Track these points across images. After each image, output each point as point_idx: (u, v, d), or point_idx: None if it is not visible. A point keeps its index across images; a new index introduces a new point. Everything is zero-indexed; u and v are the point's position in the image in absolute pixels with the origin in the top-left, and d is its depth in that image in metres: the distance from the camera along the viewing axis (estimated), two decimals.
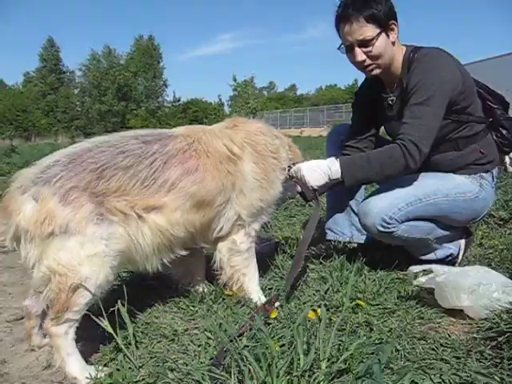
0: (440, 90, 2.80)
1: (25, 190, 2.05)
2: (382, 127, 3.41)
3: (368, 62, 2.95)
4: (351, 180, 2.86)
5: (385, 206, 2.90)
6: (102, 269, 2.10)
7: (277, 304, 2.51)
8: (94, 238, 2.08)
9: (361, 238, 3.53)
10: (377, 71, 3.01)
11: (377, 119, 3.36)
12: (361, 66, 3.00)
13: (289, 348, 1.85)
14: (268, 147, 2.73)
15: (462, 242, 3.30)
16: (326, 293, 2.75)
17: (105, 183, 2.15)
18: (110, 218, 2.16)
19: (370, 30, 2.85)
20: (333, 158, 2.89)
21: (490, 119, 3.14)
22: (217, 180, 2.48)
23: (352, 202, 3.58)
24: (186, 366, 1.94)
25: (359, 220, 3.11)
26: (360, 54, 2.92)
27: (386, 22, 2.86)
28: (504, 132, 3.16)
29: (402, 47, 3.04)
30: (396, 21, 2.93)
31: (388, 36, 2.90)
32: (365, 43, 2.88)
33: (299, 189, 3.00)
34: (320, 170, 2.83)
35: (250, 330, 2.06)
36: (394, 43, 2.95)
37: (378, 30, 2.85)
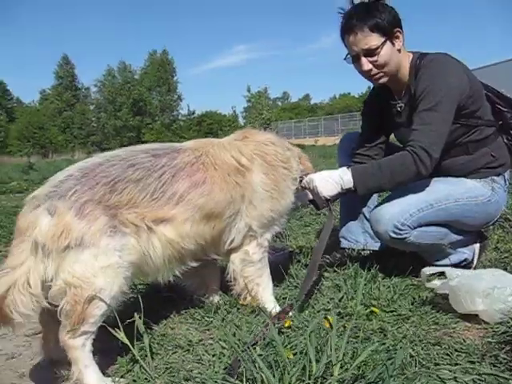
0: (448, 95, 2.81)
1: (38, 204, 2.09)
2: (392, 134, 3.42)
3: (374, 70, 2.99)
4: (363, 189, 2.87)
5: (396, 213, 2.90)
6: (116, 280, 2.13)
7: (291, 313, 2.51)
8: (107, 250, 2.10)
9: (374, 246, 3.53)
10: (384, 79, 3.04)
11: (386, 127, 3.37)
12: (368, 74, 3.03)
13: (302, 356, 1.85)
14: (278, 157, 2.74)
15: (477, 246, 3.28)
16: (340, 300, 2.75)
17: (117, 196, 2.19)
18: (123, 229, 2.19)
19: (374, 40, 2.89)
20: (344, 168, 2.91)
21: (500, 122, 3.14)
22: (225, 192, 2.49)
23: (365, 210, 3.58)
24: (201, 375, 1.96)
25: (371, 227, 3.11)
26: (366, 64, 2.96)
27: (390, 30, 2.89)
28: None
29: (408, 54, 3.06)
30: (401, 28, 2.96)
31: (393, 44, 2.93)
32: (370, 52, 2.91)
33: (310, 196, 3.02)
34: (332, 181, 2.84)
35: (264, 339, 2.07)
36: (399, 51, 2.98)
37: (382, 39, 2.88)
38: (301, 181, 2.89)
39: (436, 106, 2.80)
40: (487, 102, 3.10)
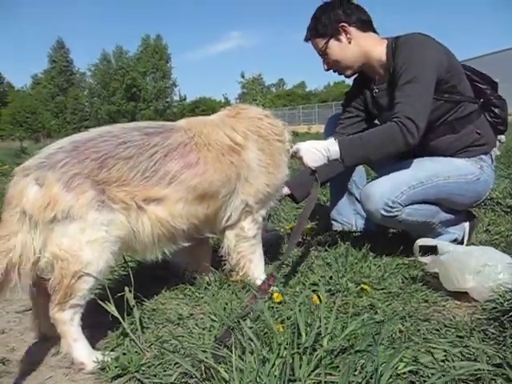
0: (426, 65, 2.85)
1: (28, 174, 2.07)
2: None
3: (333, 68, 3.25)
4: (350, 159, 2.88)
5: (387, 191, 2.91)
6: (103, 254, 2.12)
7: (275, 288, 2.53)
8: (94, 224, 2.09)
9: (366, 227, 3.54)
10: (348, 72, 3.28)
11: (370, 114, 3.41)
12: (333, 71, 3.29)
13: (291, 328, 1.86)
14: (273, 130, 2.74)
15: (466, 225, 3.31)
16: (330, 278, 2.75)
17: (106, 172, 2.17)
18: (111, 205, 2.18)
19: (319, 43, 3.18)
20: (332, 139, 2.91)
21: (481, 100, 3.16)
22: (219, 172, 2.48)
23: (355, 191, 3.60)
24: (191, 346, 1.96)
25: (362, 206, 3.12)
26: (325, 64, 3.26)
27: (330, 30, 3.10)
28: (496, 110, 3.19)
29: (382, 41, 3.14)
30: (348, 22, 3.09)
31: (340, 40, 3.11)
32: (323, 53, 3.20)
33: (287, 191, 3.15)
34: (318, 152, 2.84)
35: (252, 310, 2.08)
36: (350, 42, 3.11)
37: (324, 40, 3.14)
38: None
39: (415, 77, 2.83)
40: (467, 80, 3.12)
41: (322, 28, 3.11)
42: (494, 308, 2.20)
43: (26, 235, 2.04)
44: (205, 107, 71.63)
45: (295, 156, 2.88)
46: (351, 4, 3.13)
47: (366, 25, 3.14)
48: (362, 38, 3.11)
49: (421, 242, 2.81)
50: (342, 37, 3.10)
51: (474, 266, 2.44)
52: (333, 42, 3.11)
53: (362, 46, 3.11)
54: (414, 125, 2.75)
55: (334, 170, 3.23)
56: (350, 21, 3.07)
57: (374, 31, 3.18)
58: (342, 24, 3.07)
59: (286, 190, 3.25)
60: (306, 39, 3.26)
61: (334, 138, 2.92)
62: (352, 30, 3.08)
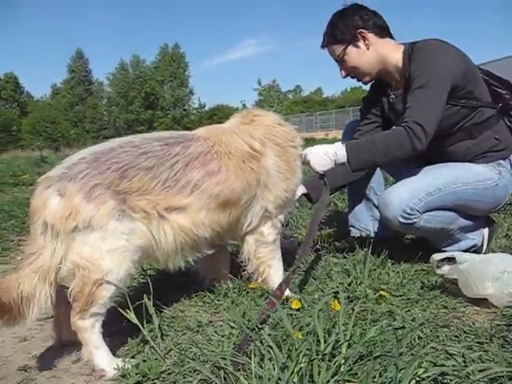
0: (440, 72, 2.84)
1: (50, 185, 2.11)
2: None
3: (351, 75, 3.24)
4: (357, 163, 2.88)
5: (405, 197, 2.90)
6: (123, 263, 2.15)
7: (289, 293, 2.55)
8: (115, 233, 2.12)
9: (383, 233, 3.53)
10: (366, 79, 3.25)
11: (386, 121, 3.40)
12: (351, 78, 3.27)
13: (310, 336, 1.86)
14: (287, 137, 2.77)
15: (486, 231, 3.28)
16: (349, 285, 2.76)
17: (127, 182, 2.20)
18: (132, 214, 2.21)
19: (337, 50, 3.15)
20: (339, 143, 2.93)
21: (500, 105, 3.13)
22: (241, 179, 2.51)
23: (373, 198, 3.59)
24: (210, 353, 1.98)
25: (379, 213, 3.12)
26: (342, 71, 3.25)
27: (348, 36, 3.08)
28: None
29: (398, 46, 3.14)
30: (366, 28, 3.08)
31: (358, 46, 3.10)
32: (340, 60, 3.18)
33: (304, 190, 3.15)
34: (325, 156, 2.85)
35: (269, 316, 2.10)
36: (368, 48, 3.10)
37: (343, 46, 3.12)
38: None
39: (428, 83, 2.83)
40: (485, 85, 3.10)
41: (339, 34, 3.10)
42: None
43: (51, 247, 2.09)
44: (222, 114, 71.66)
45: (303, 160, 2.89)
46: (368, 10, 3.13)
47: (384, 31, 3.13)
48: (380, 44, 3.10)
49: (437, 256, 2.80)
50: (360, 43, 3.09)
51: (493, 273, 2.44)
52: (351, 49, 3.10)
53: (380, 53, 3.11)
54: (423, 130, 2.74)
55: (348, 175, 3.23)
56: (368, 27, 3.07)
57: (391, 37, 3.18)
58: (360, 30, 3.06)
59: (302, 190, 3.27)
60: (323, 46, 3.25)
61: (342, 143, 2.93)
62: (370, 36, 3.07)
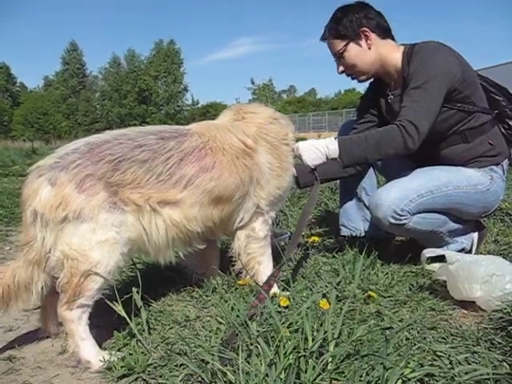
0: (437, 74, 2.84)
1: (42, 174, 2.10)
2: None
3: (347, 72, 3.21)
4: (349, 158, 2.89)
5: (396, 198, 2.91)
6: (113, 255, 2.14)
7: (277, 290, 2.55)
8: (105, 225, 2.12)
9: (374, 233, 3.54)
10: (362, 78, 3.24)
11: (383, 121, 3.39)
12: (346, 75, 3.23)
13: (298, 333, 1.86)
14: (279, 135, 2.77)
15: (475, 235, 3.30)
16: (338, 284, 2.76)
17: (120, 175, 2.19)
18: (123, 207, 2.20)
19: (338, 45, 3.13)
20: (332, 138, 2.94)
21: (496, 111, 3.16)
22: (235, 175, 2.51)
23: (365, 198, 3.59)
24: (197, 348, 1.97)
25: (370, 213, 3.13)
26: (339, 67, 3.21)
27: (351, 33, 3.06)
28: (511, 122, 3.18)
29: (399, 48, 3.14)
30: (370, 28, 3.06)
31: (359, 44, 3.08)
32: (339, 56, 3.15)
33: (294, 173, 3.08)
34: (317, 150, 2.86)
35: (256, 312, 2.10)
36: (370, 48, 3.09)
37: (344, 42, 3.10)
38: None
39: (424, 83, 2.84)
40: (482, 91, 3.12)
41: (342, 29, 3.07)
42: (501, 318, 2.21)
43: (40, 236, 2.09)
44: (216, 112, 71.46)
45: (295, 154, 2.89)
46: (373, 9, 3.12)
47: (386, 32, 3.13)
48: (381, 45, 3.10)
49: (428, 252, 2.81)
50: (363, 42, 3.08)
51: (482, 276, 2.44)
52: (352, 46, 3.09)
53: (380, 54, 3.10)
54: (416, 129, 2.76)
55: (341, 171, 3.23)
56: (372, 26, 3.06)
57: (393, 38, 3.17)
58: (364, 29, 3.05)
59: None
60: (323, 38, 3.22)
61: (335, 138, 2.94)
62: (373, 36, 3.07)
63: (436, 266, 2.69)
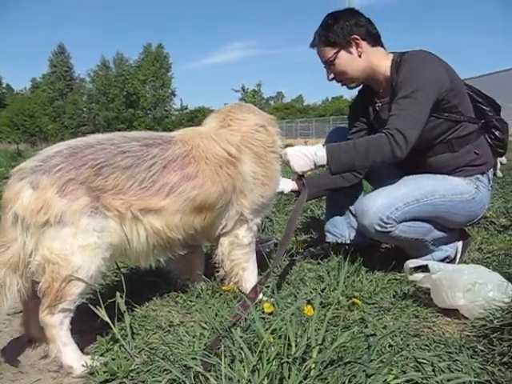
0: (426, 84, 2.86)
1: (23, 176, 2.09)
2: None
3: (337, 78, 3.20)
4: (336, 166, 2.88)
5: (382, 206, 2.92)
6: (94, 259, 2.13)
7: (262, 297, 2.55)
8: (86, 230, 2.11)
9: (359, 241, 3.55)
10: (352, 85, 3.26)
11: (373, 128, 3.40)
12: (335, 82, 3.23)
13: (282, 339, 1.86)
14: (265, 143, 2.76)
15: (460, 244, 3.31)
16: (322, 291, 2.77)
17: (102, 180, 2.19)
18: (105, 212, 2.20)
19: (328, 52, 3.12)
20: (320, 145, 2.95)
21: (483, 121, 3.19)
22: (217, 184, 2.51)
23: (351, 205, 3.59)
24: (180, 353, 1.96)
25: (357, 220, 3.13)
26: (329, 74, 3.20)
27: (342, 40, 3.06)
28: (497, 133, 3.23)
29: (388, 55, 3.15)
30: (360, 35, 3.06)
31: (350, 52, 3.08)
32: (330, 63, 3.15)
33: (294, 187, 3.10)
34: (305, 156, 2.86)
35: (245, 319, 2.09)
36: (360, 55, 3.09)
37: (334, 50, 3.07)
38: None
39: (413, 93, 2.85)
40: (469, 101, 3.14)
41: (333, 37, 3.07)
42: (484, 325, 2.22)
43: (21, 240, 2.07)
44: (203, 117, 70.93)
45: (282, 160, 2.90)
46: (363, 16, 3.12)
47: (376, 39, 3.14)
48: (372, 53, 3.10)
49: (411, 263, 2.82)
50: (353, 49, 3.08)
51: (464, 284, 2.45)
52: (343, 54, 3.09)
53: (371, 61, 3.11)
54: (404, 138, 2.77)
55: (331, 182, 3.25)
56: (362, 34, 3.06)
57: (382, 45, 3.18)
58: (355, 36, 3.05)
59: (293, 186, 3.30)
60: (313, 45, 3.22)
61: (323, 144, 2.94)
62: (363, 44, 3.07)
63: (419, 275, 2.70)
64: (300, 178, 2.95)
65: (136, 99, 71.19)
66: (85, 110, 73.60)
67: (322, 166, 2.89)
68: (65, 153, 2.18)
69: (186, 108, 76.30)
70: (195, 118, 69.50)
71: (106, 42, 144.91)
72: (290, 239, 2.95)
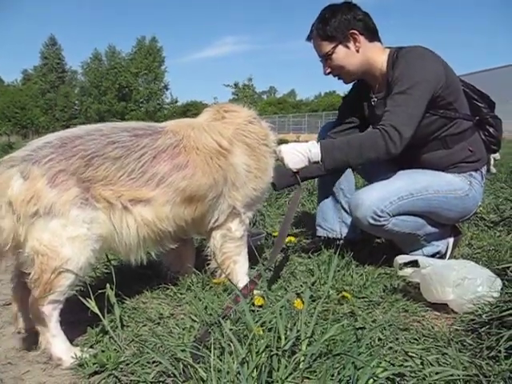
0: (422, 80, 2.86)
1: (13, 164, 2.08)
2: None
3: (334, 73, 3.19)
4: (330, 162, 2.89)
5: (376, 199, 2.93)
6: (84, 251, 2.12)
7: (258, 291, 2.53)
8: (76, 221, 2.10)
9: (350, 235, 3.56)
10: (349, 79, 3.26)
11: (364, 123, 3.42)
12: (332, 76, 3.21)
13: (272, 332, 1.86)
14: (258, 136, 2.75)
15: (451, 240, 3.33)
16: (312, 285, 2.78)
17: (92, 171, 2.18)
18: (95, 204, 2.19)
19: (325, 47, 3.10)
20: (314, 141, 2.95)
21: (477, 118, 3.19)
22: (208, 175, 2.49)
23: (342, 200, 3.60)
24: (170, 345, 1.96)
25: (350, 212, 3.14)
26: (325, 68, 3.19)
27: (340, 35, 3.03)
28: (491, 130, 3.22)
29: (384, 50, 3.14)
30: (359, 30, 3.05)
31: (348, 47, 3.07)
32: (327, 57, 3.13)
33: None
34: (299, 153, 2.86)
35: (235, 312, 2.09)
36: (358, 50, 3.08)
37: (332, 45, 3.06)
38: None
39: (409, 89, 2.85)
40: (464, 97, 3.14)
41: (331, 31, 3.04)
42: (472, 320, 2.23)
43: (12, 222, 2.05)
44: (196, 111, 70.98)
45: (276, 157, 2.89)
46: (361, 10, 3.10)
47: (374, 34, 3.13)
48: (369, 48, 3.09)
49: (401, 259, 2.83)
50: (351, 44, 3.06)
51: (454, 279, 2.46)
52: (340, 48, 3.07)
53: (368, 56, 3.10)
54: (399, 135, 2.78)
55: (314, 170, 3.24)
56: (360, 28, 3.05)
57: (379, 40, 3.17)
58: (353, 31, 3.03)
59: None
60: (310, 38, 3.20)
61: (317, 141, 2.94)
62: (361, 38, 3.05)
63: (409, 271, 2.72)
64: (294, 174, 2.94)
65: (128, 92, 70.95)
66: (76, 102, 73.32)
67: (317, 162, 2.89)
68: (55, 143, 2.17)
69: (177, 101, 76.14)
70: (187, 111, 69.40)
71: (99, 35, 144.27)
72: (285, 239, 2.93)
